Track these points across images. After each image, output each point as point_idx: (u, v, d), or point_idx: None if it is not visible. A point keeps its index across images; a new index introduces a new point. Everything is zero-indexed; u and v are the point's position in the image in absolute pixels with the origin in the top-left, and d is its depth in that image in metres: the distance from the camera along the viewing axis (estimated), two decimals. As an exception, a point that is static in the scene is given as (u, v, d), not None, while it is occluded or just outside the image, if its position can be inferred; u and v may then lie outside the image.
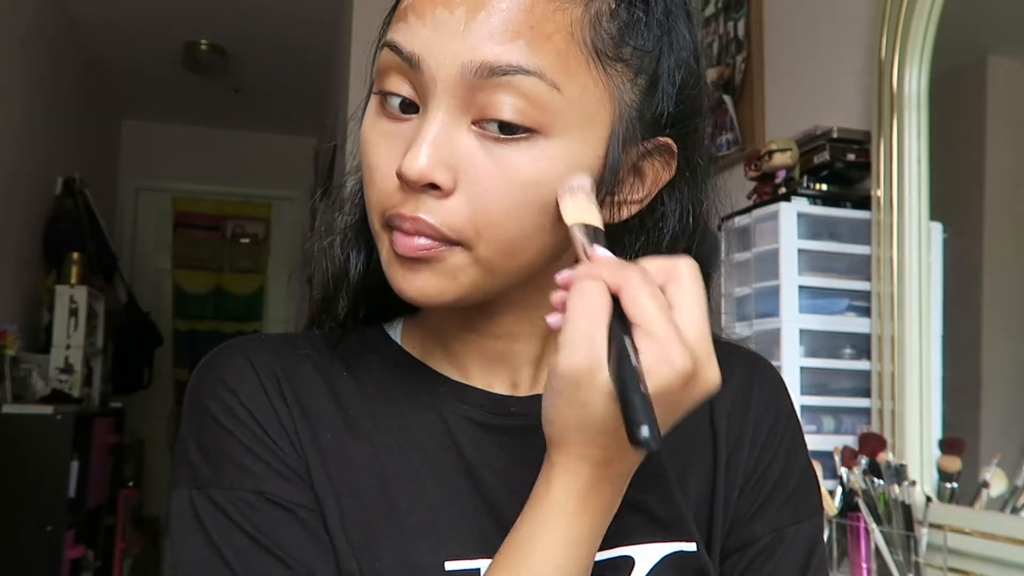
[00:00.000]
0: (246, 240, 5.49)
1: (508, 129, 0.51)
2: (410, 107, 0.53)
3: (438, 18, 0.51)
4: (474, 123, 0.51)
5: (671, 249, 0.58)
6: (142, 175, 5.25)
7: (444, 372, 0.61)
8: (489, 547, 0.53)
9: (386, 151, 0.53)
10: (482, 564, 0.54)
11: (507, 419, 0.59)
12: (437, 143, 0.51)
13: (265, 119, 5.06)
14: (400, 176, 0.51)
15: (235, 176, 5.30)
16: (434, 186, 0.51)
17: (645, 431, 0.39)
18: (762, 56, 1.93)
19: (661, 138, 0.56)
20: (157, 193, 5.32)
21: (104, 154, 4.87)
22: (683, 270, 0.47)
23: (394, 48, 0.53)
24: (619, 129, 0.54)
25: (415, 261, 0.53)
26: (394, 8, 0.57)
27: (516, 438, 0.58)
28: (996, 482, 1.20)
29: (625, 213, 0.57)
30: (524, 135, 0.51)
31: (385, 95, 0.54)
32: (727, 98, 2.01)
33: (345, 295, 0.62)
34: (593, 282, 0.46)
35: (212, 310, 5.40)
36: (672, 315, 0.46)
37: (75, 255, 3.54)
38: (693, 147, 0.58)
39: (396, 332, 0.64)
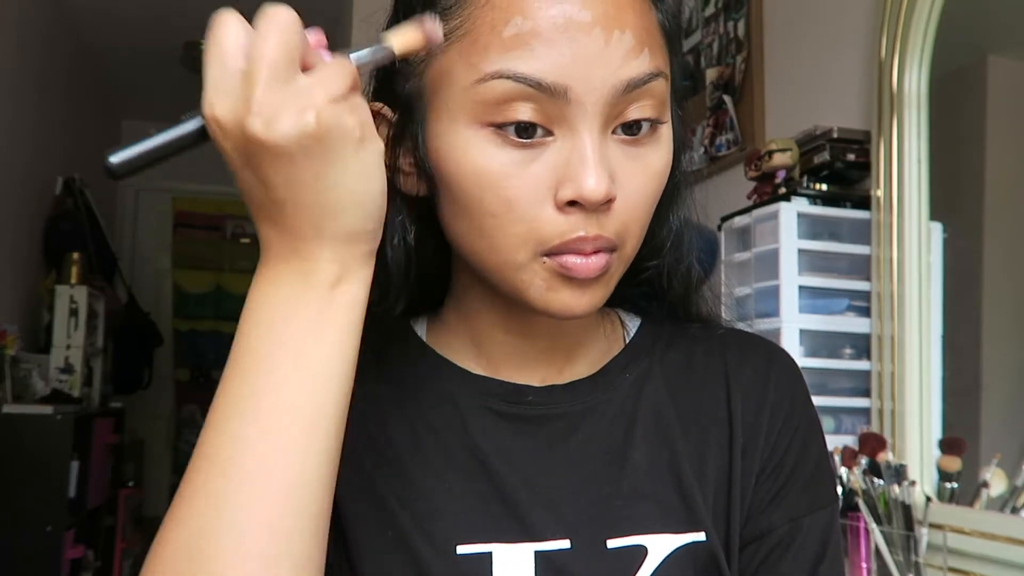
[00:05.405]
0: (246, 240, 5.49)
1: (640, 128, 0.54)
2: (530, 131, 0.52)
3: (576, 43, 0.50)
4: (613, 132, 0.53)
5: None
6: (142, 175, 5.19)
7: (469, 368, 0.62)
8: (500, 532, 0.55)
9: (528, 180, 0.52)
10: (494, 548, 0.56)
11: (524, 408, 0.60)
12: (602, 161, 0.52)
13: (265, 119, 5.06)
14: (583, 200, 0.51)
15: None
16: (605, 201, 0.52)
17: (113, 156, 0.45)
18: (762, 56, 1.93)
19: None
20: (157, 193, 5.33)
21: (104, 154, 4.87)
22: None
23: (522, 79, 0.51)
24: (677, 93, 0.59)
25: (591, 280, 0.53)
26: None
27: (531, 426, 0.59)
28: (996, 482, 1.20)
29: None
30: (652, 129, 0.54)
31: (507, 125, 0.52)
32: (727, 98, 2.01)
33: (392, 290, 0.62)
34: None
35: (212, 310, 5.41)
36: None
37: (75, 255, 3.54)
38: (679, 97, 0.63)
39: (421, 328, 0.66)
